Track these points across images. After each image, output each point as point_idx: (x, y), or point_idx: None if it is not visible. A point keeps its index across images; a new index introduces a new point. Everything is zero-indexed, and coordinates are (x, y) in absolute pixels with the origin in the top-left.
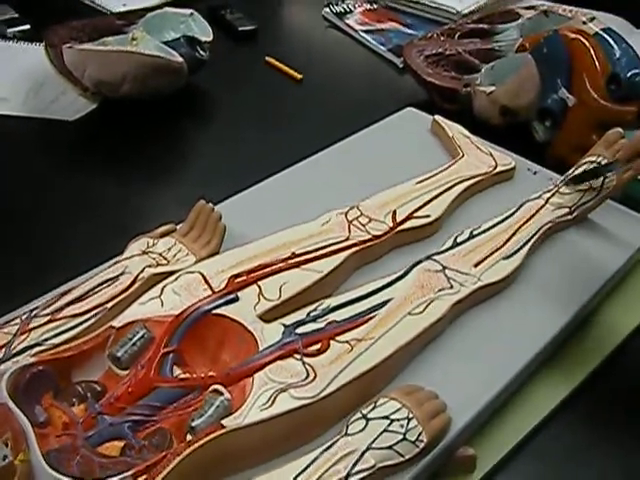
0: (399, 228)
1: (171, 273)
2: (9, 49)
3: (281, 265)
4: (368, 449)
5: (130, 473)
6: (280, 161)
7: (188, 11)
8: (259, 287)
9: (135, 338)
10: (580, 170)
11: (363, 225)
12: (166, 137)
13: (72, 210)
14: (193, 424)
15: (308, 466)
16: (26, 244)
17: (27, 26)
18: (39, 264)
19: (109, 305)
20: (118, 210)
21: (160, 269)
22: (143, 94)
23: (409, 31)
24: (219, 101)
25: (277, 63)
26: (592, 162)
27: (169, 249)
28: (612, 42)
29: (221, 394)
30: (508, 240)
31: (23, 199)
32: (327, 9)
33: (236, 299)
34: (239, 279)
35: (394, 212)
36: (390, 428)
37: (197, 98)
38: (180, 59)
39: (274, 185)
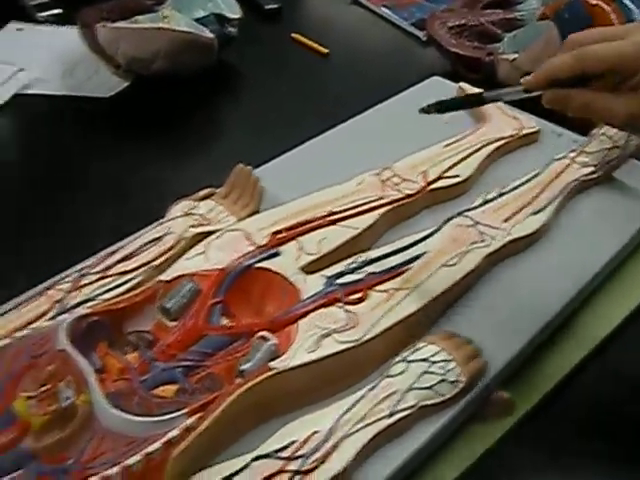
0: (430, 187)
1: (213, 232)
2: (42, 32)
3: (319, 222)
4: (410, 389)
5: (186, 411)
6: (309, 132)
7: None
8: (299, 243)
9: (183, 290)
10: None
11: (396, 185)
12: (198, 111)
13: (111, 181)
14: (242, 368)
15: (353, 406)
16: (70, 213)
17: (58, 10)
18: (83, 230)
19: (155, 263)
20: (154, 181)
21: (203, 229)
22: (174, 70)
23: (431, 5)
24: (248, 76)
25: (303, 39)
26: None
27: (210, 210)
28: (632, 7)
29: (267, 340)
30: (536, 197)
31: (63, 170)
32: None
33: (277, 254)
34: (280, 235)
35: (425, 172)
36: (430, 370)
37: (226, 74)
38: (211, 35)
39: (307, 151)
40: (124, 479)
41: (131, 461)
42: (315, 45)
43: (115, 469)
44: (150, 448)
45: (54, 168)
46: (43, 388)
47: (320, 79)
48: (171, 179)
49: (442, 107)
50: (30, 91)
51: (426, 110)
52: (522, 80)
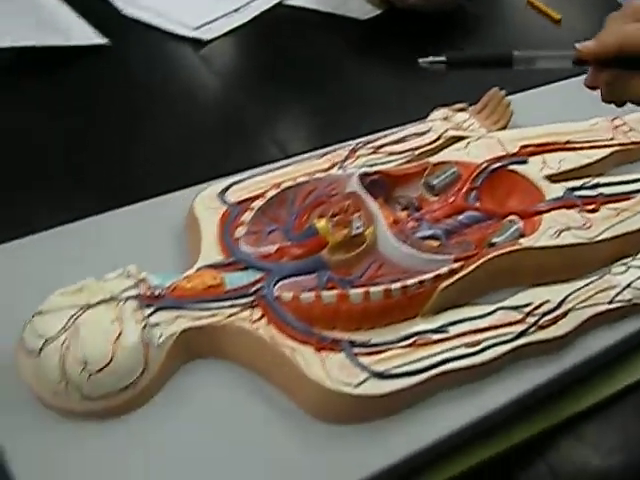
0: None
1: (466, 138)
2: None
3: (560, 146)
4: (628, 286)
5: (453, 257)
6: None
7: None
8: (543, 158)
9: (448, 173)
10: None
11: (625, 132)
12: (435, 45)
13: (351, 85)
14: (493, 241)
15: (580, 288)
16: (329, 106)
17: None
18: (343, 120)
19: (417, 152)
20: (385, 96)
21: (458, 133)
22: (424, 7)
23: None
24: (483, 27)
25: (538, 3)
26: None
27: (464, 121)
28: None
29: (516, 223)
30: None
31: (319, 72)
32: None
33: (525, 162)
34: (527, 149)
35: None
36: None
37: (463, 19)
38: None
39: (545, 92)
40: (401, 295)
41: (409, 282)
42: (549, 11)
43: (396, 284)
44: (423, 277)
45: (311, 71)
46: (337, 217)
47: (549, 42)
48: (410, 95)
49: (454, 62)
50: (291, 2)
51: (431, 62)
52: (578, 46)
